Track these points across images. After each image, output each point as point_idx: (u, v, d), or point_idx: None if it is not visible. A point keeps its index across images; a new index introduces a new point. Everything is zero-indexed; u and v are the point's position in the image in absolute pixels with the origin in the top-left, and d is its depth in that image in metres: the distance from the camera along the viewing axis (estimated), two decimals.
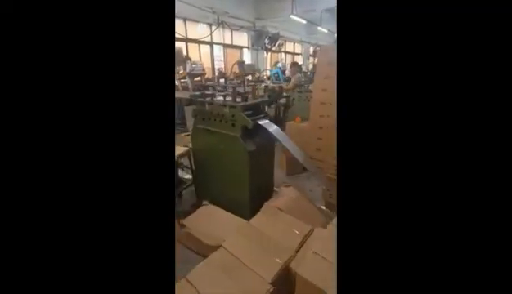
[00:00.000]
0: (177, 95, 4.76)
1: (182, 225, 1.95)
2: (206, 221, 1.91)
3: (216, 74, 6.36)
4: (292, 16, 6.65)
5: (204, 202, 2.13)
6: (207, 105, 1.95)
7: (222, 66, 7.44)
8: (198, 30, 6.50)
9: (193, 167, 2.34)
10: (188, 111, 4.74)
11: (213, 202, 2.11)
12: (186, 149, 2.21)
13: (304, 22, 7.27)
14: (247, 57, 8.18)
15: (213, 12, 6.55)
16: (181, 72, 5.06)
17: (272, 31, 7.98)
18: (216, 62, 7.29)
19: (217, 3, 6.48)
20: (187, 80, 4.83)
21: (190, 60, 5.09)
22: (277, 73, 7.27)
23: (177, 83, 5.24)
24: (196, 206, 2.27)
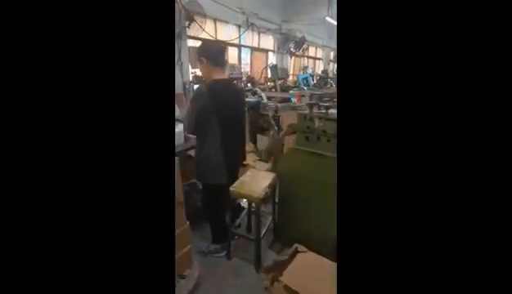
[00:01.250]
0: None
1: (279, 282, 1.43)
2: (317, 279, 1.39)
3: (244, 78, 5.91)
4: (327, 18, 6.22)
5: (300, 249, 1.61)
6: (317, 120, 1.45)
7: (248, 69, 6.99)
8: (226, 32, 6.06)
9: (276, 199, 1.82)
10: None
11: (309, 246, 1.59)
12: (272, 175, 1.70)
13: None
14: (272, 61, 7.73)
15: (243, 13, 6.12)
16: None
17: (299, 35, 7.59)
18: (242, 65, 6.83)
19: (246, 3, 6.06)
20: None
21: (227, 62, 4.63)
22: (306, 78, 6.83)
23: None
24: (277, 249, 1.76)
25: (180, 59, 5.11)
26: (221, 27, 5.87)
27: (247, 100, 3.45)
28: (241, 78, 4.57)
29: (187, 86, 4.90)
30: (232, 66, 4.40)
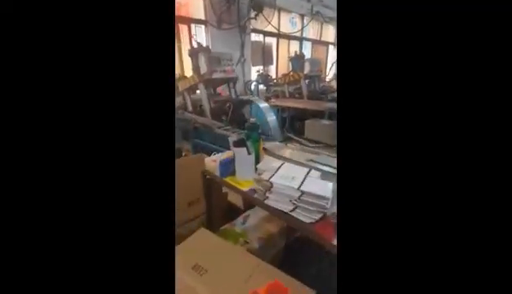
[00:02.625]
0: (294, 104, 3.61)
1: None
2: None
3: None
4: None
5: None
6: None
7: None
8: (288, 25, 5.35)
9: None
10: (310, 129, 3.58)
11: None
12: None
13: None
14: (332, 56, 6.88)
15: (308, 0, 5.37)
16: (291, 73, 3.92)
17: None
18: None
19: None
20: (302, 84, 3.69)
21: (303, 57, 3.93)
22: None
23: (281, 88, 4.13)
24: None
25: (243, 55, 4.56)
26: (283, 18, 5.20)
27: None
28: (322, 76, 3.84)
29: (251, 87, 4.32)
30: (313, 61, 3.67)
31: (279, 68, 5.35)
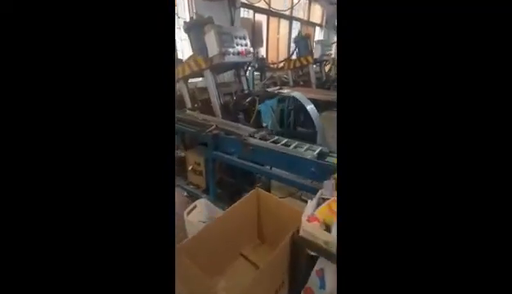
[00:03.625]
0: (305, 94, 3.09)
1: None
2: None
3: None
4: None
5: None
6: None
7: None
8: (278, 2, 4.72)
9: None
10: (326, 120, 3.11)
11: None
12: None
13: None
14: (319, 37, 6.44)
15: None
16: (298, 57, 3.32)
17: None
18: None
19: None
20: (310, 70, 3.17)
21: (309, 38, 3.36)
22: None
23: (278, 75, 3.57)
24: None
25: None
26: None
27: None
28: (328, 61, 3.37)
29: (245, 73, 3.68)
30: (324, 43, 3.15)
31: (269, 50, 4.77)
